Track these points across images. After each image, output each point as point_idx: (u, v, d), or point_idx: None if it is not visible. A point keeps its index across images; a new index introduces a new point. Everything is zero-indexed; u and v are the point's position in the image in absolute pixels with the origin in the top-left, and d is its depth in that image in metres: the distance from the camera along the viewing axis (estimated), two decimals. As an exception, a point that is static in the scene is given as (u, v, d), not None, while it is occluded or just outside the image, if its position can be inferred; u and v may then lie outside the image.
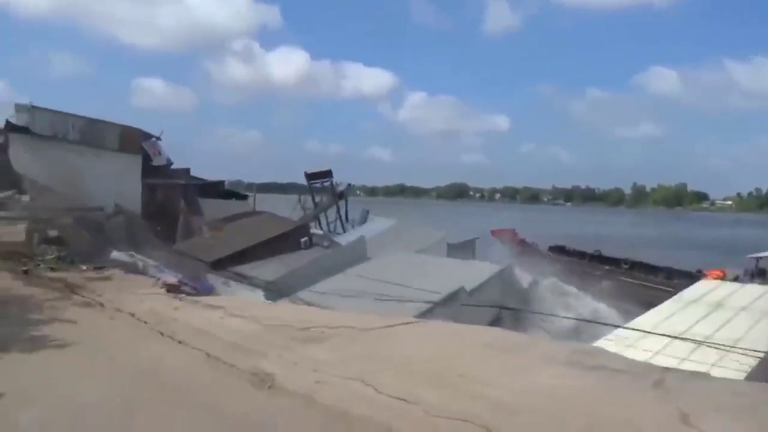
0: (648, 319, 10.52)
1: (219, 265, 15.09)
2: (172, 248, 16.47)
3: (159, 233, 17.83)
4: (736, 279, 18.98)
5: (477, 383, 3.92)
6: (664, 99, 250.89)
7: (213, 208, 21.26)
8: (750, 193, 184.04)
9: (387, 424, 3.41)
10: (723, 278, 18.64)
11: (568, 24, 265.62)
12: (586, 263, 24.35)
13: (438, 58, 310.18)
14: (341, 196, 24.04)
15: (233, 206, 22.34)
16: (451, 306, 11.65)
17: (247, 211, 21.27)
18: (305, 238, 17.69)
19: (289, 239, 17.30)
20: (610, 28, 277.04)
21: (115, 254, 11.08)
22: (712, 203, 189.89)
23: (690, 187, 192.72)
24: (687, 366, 7.49)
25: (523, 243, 26.86)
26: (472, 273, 14.07)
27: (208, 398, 4.04)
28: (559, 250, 26.67)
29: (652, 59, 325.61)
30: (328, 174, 24.20)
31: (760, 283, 18.69)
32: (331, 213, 24.80)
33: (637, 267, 23.71)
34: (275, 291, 12.93)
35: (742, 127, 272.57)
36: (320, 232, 19.70)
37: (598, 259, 25.18)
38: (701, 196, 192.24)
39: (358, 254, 16.26)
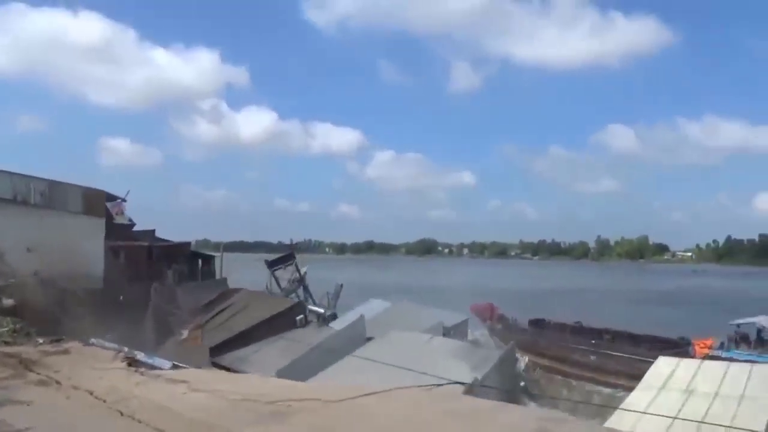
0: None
1: (218, 351, 14.97)
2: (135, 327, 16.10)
3: (121, 303, 17.36)
4: (721, 346, 19.27)
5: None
6: (622, 155, 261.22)
7: (187, 292, 20.89)
8: (708, 245, 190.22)
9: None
10: (711, 347, 18.88)
11: (528, 83, 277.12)
12: (568, 336, 24.16)
13: (405, 116, 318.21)
14: (302, 280, 23.91)
15: (208, 288, 21.99)
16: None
17: (224, 291, 20.97)
18: (300, 316, 17.65)
19: (285, 318, 17.25)
20: (569, 87, 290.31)
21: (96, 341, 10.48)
22: (673, 255, 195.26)
23: (651, 239, 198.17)
24: None
25: (501, 318, 26.61)
26: (479, 358, 13.78)
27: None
28: (539, 323, 26.40)
29: (610, 118, 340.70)
30: (289, 257, 24.19)
31: (745, 349, 19.08)
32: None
33: (620, 338, 23.61)
34: None
35: (698, 182, 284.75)
36: (320, 309, 19.50)
37: (579, 331, 25.02)
38: (662, 248, 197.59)
39: (358, 334, 16.13)
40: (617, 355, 20.24)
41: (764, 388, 10.23)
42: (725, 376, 11.00)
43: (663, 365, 12.41)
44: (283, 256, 23.85)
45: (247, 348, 15.46)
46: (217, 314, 18.33)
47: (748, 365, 11.80)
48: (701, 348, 19.10)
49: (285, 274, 23.32)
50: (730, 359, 15.59)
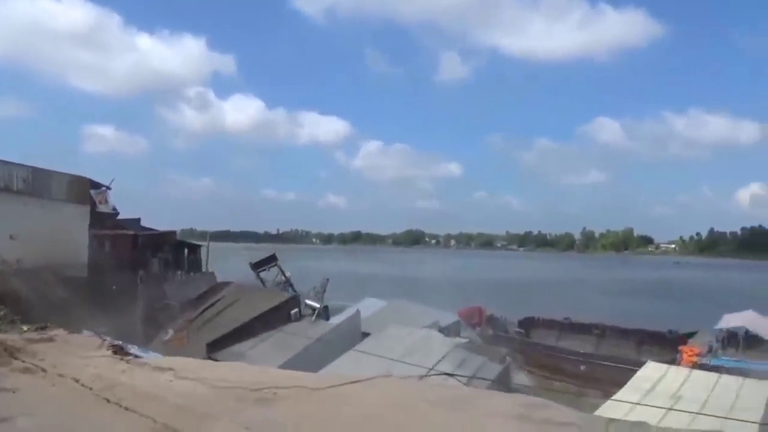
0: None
1: (215, 346, 14.98)
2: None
3: (106, 292, 17.28)
4: (710, 350, 19.22)
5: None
6: (609, 148, 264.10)
7: (175, 287, 20.83)
8: (691, 237, 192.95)
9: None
10: (699, 354, 18.76)
11: (516, 75, 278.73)
12: (557, 334, 24.21)
13: (392, 107, 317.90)
14: (287, 281, 23.95)
15: (196, 282, 21.92)
16: None
17: (213, 285, 20.93)
18: (295, 310, 17.66)
19: (280, 312, 17.27)
20: (556, 79, 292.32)
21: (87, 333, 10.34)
22: (657, 247, 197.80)
23: (636, 232, 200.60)
24: None
25: (490, 320, 26.64)
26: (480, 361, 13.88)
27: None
28: (529, 322, 26.50)
29: (597, 110, 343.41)
30: (272, 259, 24.16)
31: (733, 353, 18.95)
32: None
33: (609, 333, 23.70)
34: None
35: (682, 175, 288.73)
36: (315, 304, 19.51)
37: (569, 327, 25.17)
38: (647, 240, 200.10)
39: (354, 329, 16.24)
40: (607, 365, 20.13)
41: (754, 401, 10.09)
42: (714, 387, 10.87)
43: (651, 371, 12.25)
44: (266, 258, 23.78)
45: (243, 343, 15.49)
46: (206, 309, 18.34)
47: (740, 379, 11.51)
48: (689, 356, 18.81)
49: (269, 276, 23.30)
50: (719, 367, 15.62)
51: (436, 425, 4.51)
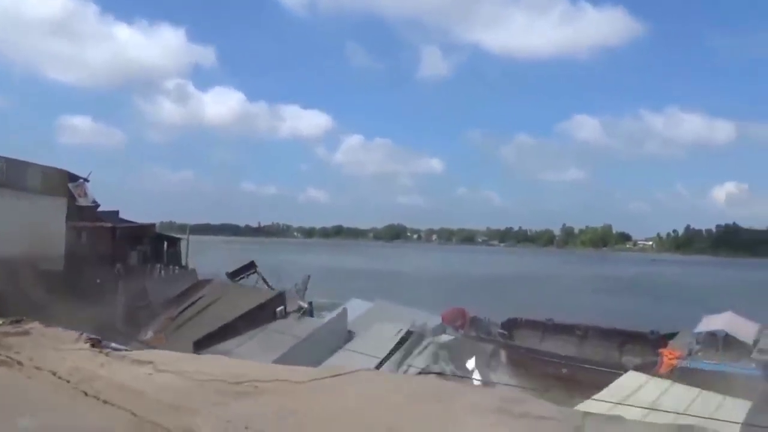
0: None
1: (201, 345, 14.87)
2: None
3: (90, 286, 17.06)
4: (690, 353, 19.41)
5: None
6: (588, 145, 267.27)
7: (156, 284, 20.62)
8: (669, 234, 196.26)
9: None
10: (678, 357, 18.92)
11: (497, 72, 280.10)
12: (540, 335, 24.42)
13: (374, 101, 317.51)
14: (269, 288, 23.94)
15: (176, 279, 21.74)
16: None
17: (195, 282, 20.74)
18: (281, 308, 17.63)
19: (265, 310, 17.23)
20: (536, 76, 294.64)
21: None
22: (635, 243, 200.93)
23: (615, 228, 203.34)
24: None
25: (474, 322, 26.83)
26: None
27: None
28: (512, 323, 26.73)
29: (576, 108, 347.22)
30: (251, 266, 24.06)
31: (713, 355, 19.15)
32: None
33: (591, 333, 23.95)
34: None
35: (660, 172, 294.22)
36: (303, 303, 19.47)
37: (552, 328, 25.42)
38: (625, 237, 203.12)
39: (341, 328, 16.28)
40: (589, 368, 20.33)
41: (733, 417, 10.16)
42: (694, 402, 11.00)
43: (631, 380, 12.40)
44: (244, 266, 23.69)
45: (229, 341, 15.42)
46: (187, 307, 18.23)
47: (720, 396, 11.41)
48: (669, 359, 18.97)
49: (249, 283, 23.20)
50: (699, 370, 15.82)
51: (416, 418, 4.56)
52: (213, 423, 4.51)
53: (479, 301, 29.15)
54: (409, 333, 14.93)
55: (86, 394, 5.40)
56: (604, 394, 11.44)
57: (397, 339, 14.21)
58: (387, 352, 13.20)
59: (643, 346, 21.97)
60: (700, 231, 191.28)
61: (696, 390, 11.96)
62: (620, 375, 13.58)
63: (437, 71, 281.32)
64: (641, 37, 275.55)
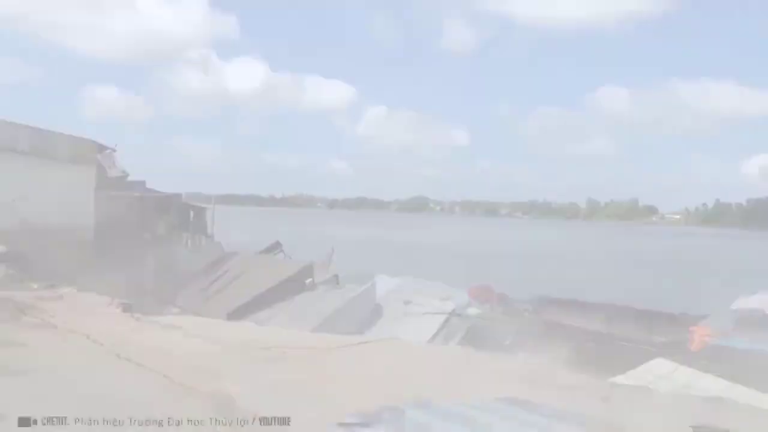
0: None
1: (234, 315, 15.04)
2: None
3: (119, 255, 17.34)
4: (724, 332, 18.88)
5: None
6: (615, 117, 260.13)
7: (182, 254, 20.88)
8: (697, 208, 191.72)
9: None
10: (709, 336, 18.38)
11: (524, 43, 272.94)
12: (567, 312, 24.20)
13: (397, 72, 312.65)
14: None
15: (203, 251, 21.95)
16: None
17: (222, 255, 20.93)
18: (310, 279, 17.71)
19: (295, 281, 17.32)
20: (564, 48, 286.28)
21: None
22: (662, 217, 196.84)
23: (641, 202, 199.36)
24: None
25: (501, 299, 26.48)
26: None
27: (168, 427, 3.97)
28: (539, 301, 26.37)
29: (604, 79, 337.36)
30: (276, 246, 24.12)
31: (749, 333, 18.62)
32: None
33: (620, 312, 23.49)
34: None
35: (689, 145, 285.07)
36: (330, 275, 19.53)
37: (580, 306, 25.05)
38: (651, 210, 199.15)
39: (370, 300, 16.38)
40: (618, 343, 20.04)
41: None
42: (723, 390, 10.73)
43: (659, 366, 12.17)
44: (270, 246, 23.75)
45: (261, 312, 15.52)
46: (216, 279, 18.40)
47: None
48: (701, 336, 18.36)
49: None
50: (733, 348, 15.43)
51: (443, 384, 4.56)
52: (243, 386, 4.58)
53: (505, 277, 28.96)
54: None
55: (119, 356, 5.52)
56: (630, 375, 11.39)
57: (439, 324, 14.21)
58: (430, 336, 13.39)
59: (671, 327, 21.62)
60: (729, 205, 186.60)
61: (725, 382, 11.74)
62: (650, 351, 13.36)
63: (462, 42, 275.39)
64: (672, 5, 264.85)
